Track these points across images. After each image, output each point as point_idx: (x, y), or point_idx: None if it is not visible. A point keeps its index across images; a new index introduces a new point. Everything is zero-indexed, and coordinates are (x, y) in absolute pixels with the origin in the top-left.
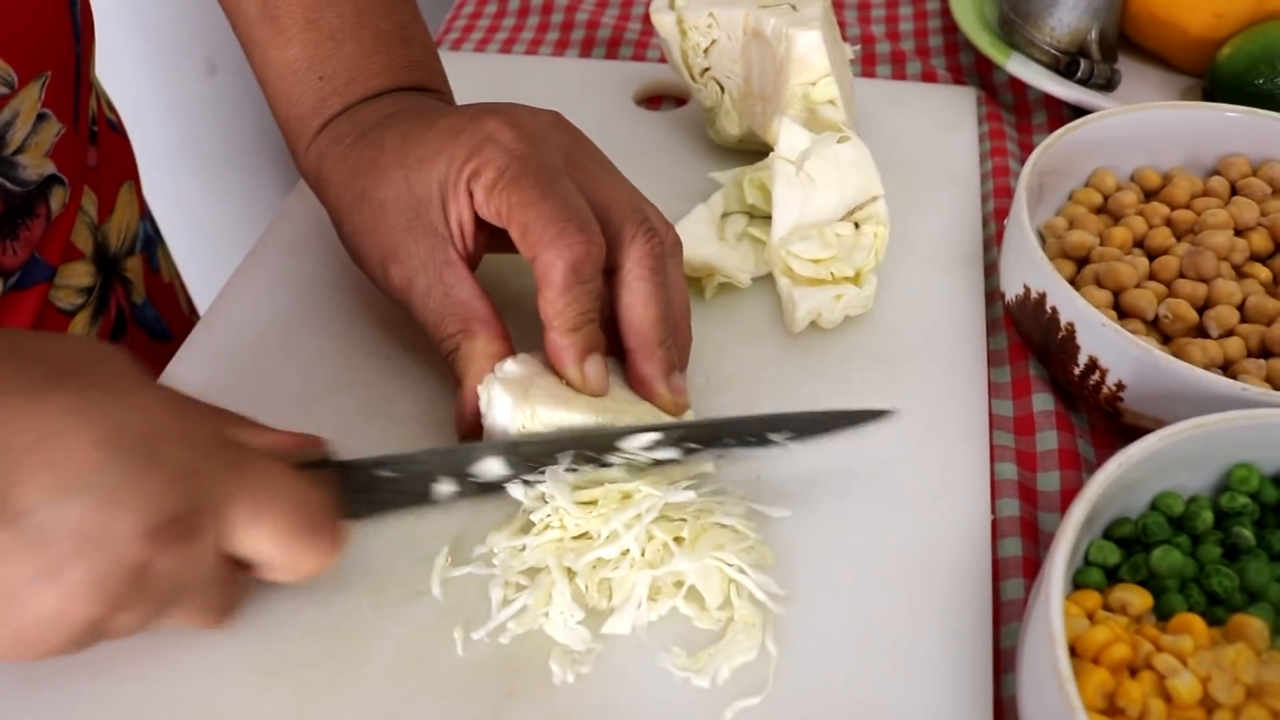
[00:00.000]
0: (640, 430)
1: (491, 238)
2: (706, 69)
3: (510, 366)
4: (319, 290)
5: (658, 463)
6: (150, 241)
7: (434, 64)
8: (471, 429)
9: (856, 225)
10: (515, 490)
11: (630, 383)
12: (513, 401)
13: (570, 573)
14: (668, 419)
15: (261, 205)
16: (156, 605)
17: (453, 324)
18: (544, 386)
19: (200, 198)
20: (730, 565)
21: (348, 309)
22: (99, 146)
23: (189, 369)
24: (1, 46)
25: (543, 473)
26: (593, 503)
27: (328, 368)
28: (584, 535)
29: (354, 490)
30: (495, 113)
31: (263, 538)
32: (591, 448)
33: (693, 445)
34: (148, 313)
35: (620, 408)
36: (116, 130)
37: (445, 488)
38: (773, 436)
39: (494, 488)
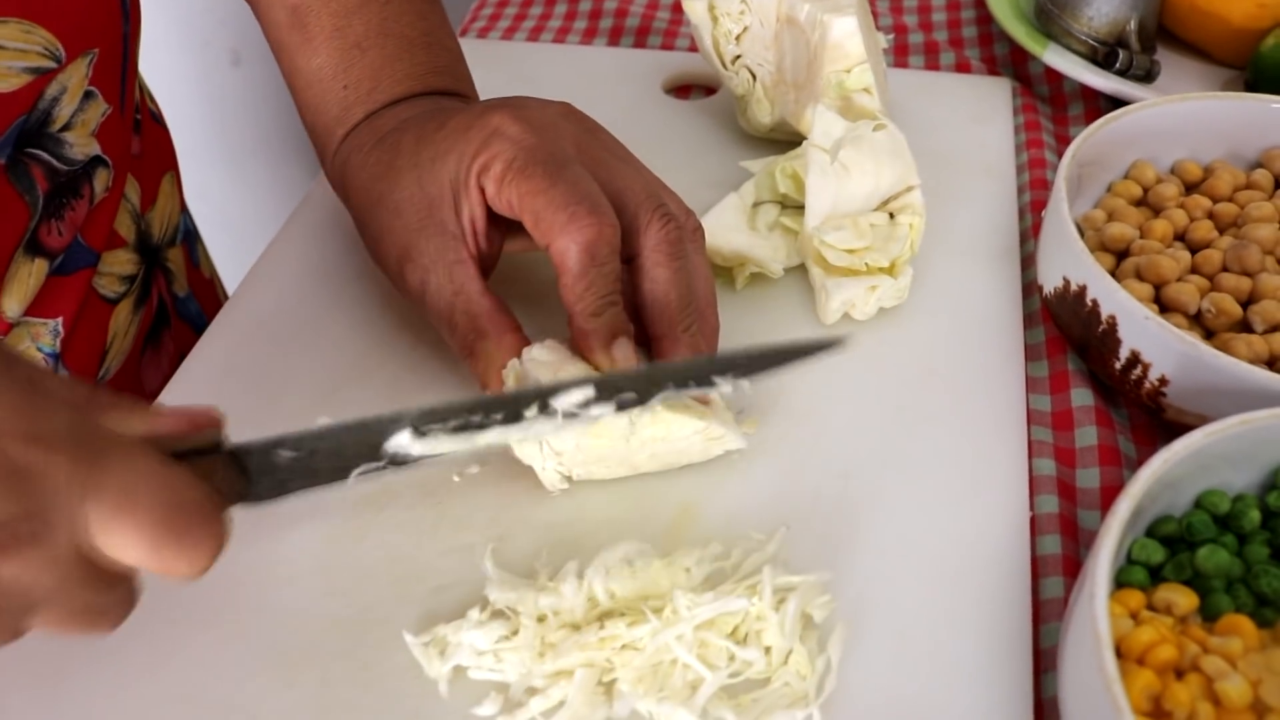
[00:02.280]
0: (571, 385)
1: (508, 237)
2: (738, 56)
3: (538, 352)
4: (342, 280)
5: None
6: (190, 235)
7: (459, 68)
8: None
9: (891, 215)
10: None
11: None
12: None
13: (608, 685)
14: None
15: (287, 197)
16: (9, 617)
17: (463, 322)
18: (574, 371)
19: (226, 190)
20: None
21: (371, 299)
22: (142, 136)
23: (211, 357)
24: (50, 19)
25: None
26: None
27: (350, 358)
28: (614, 639)
29: (255, 474)
30: (502, 107)
31: (127, 542)
32: (517, 407)
33: (629, 397)
34: (190, 307)
35: None
36: (158, 121)
37: (360, 468)
38: (717, 379)
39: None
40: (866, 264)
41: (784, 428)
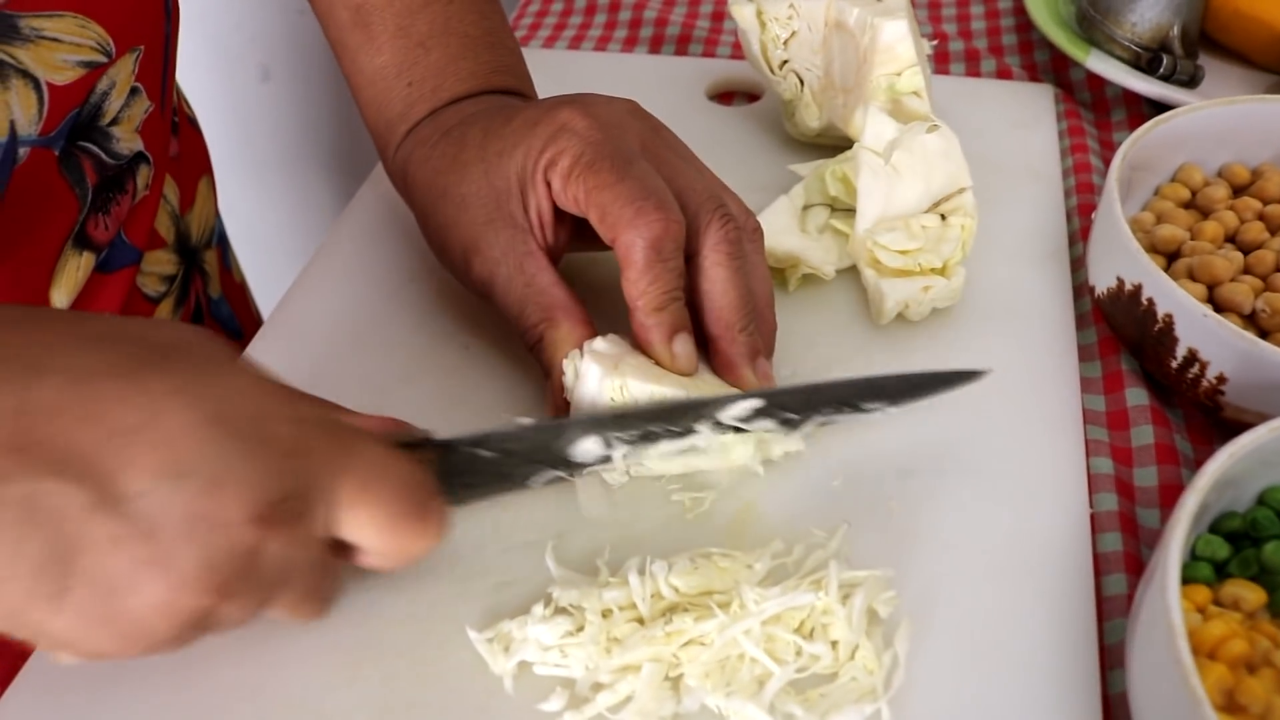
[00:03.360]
0: (739, 399)
1: (573, 235)
2: (785, 61)
3: (600, 344)
4: (395, 280)
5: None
6: (224, 239)
7: (519, 68)
8: (562, 415)
9: (943, 217)
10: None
11: (715, 369)
12: (602, 372)
13: (675, 680)
14: None
15: (313, 211)
16: (262, 593)
17: (535, 313)
18: (634, 363)
19: (252, 203)
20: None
21: (424, 299)
22: (180, 139)
23: (265, 358)
24: (102, 15)
25: (637, 440)
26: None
27: (405, 358)
28: (680, 634)
29: (452, 473)
30: (570, 103)
31: (369, 520)
32: (688, 419)
33: (789, 415)
34: (223, 310)
35: (710, 388)
36: (194, 126)
37: (543, 474)
38: (867, 405)
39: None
40: (920, 265)
41: (841, 428)
